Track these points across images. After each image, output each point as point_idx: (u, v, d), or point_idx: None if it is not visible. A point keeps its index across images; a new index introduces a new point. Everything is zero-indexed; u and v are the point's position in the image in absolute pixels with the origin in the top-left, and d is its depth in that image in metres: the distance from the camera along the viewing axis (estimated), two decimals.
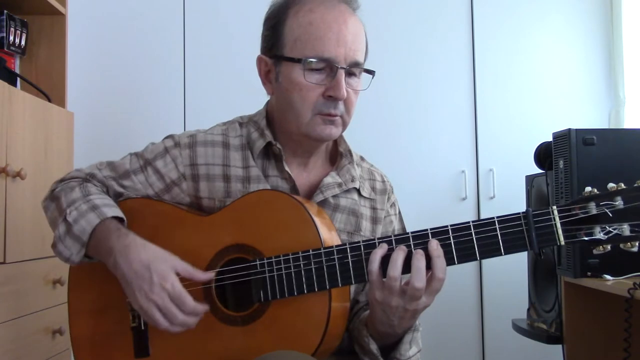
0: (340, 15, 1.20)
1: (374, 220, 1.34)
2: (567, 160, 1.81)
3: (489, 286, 2.63)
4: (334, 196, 1.28)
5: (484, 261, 2.62)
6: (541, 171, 2.07)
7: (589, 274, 1.77)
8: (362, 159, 1.40)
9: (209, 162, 1.26)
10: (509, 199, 2.54)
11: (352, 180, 1.31)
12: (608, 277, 1.75)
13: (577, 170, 1.78)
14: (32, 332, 1.90)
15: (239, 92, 2.60)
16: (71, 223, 1.20)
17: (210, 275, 1.15)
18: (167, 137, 1.32)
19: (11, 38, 2.19)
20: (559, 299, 1.98)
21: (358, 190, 1.32)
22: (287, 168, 1.25)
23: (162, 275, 1.11)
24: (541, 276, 2.16)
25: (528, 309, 2.25)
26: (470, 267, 2.63)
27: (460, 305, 2.63)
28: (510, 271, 2.51)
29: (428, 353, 2.60)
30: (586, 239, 1.01)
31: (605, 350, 1.88)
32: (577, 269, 1.79)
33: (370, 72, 1.25)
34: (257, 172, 1.26)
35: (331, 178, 1.29)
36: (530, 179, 2.24)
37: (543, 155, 2.03)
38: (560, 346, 1.96)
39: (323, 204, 1.27)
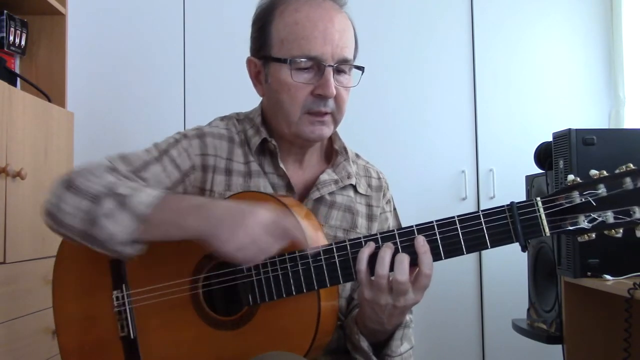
0: (325, 13, 1.20)
1: (370, 218, 1.34)
2: (567, 160, 1.81)
3: (489, 286, 2.63)
4: (330, 193, 1.28)
5: (484, 261, 2.62)
6: (541, 171, 2.07)
7: (589, 274, 1.77)
8: (357, 156, 1.40)
9: (217, 154, 1.26)
10: (509, 199, 2.50)
11: (349, 177, 1.31)
12: (608, 277, 1.75)
13: (577, 170, 1.78)
14: (32, 332, 1.90)
15: (239, 91, 2.59)
16: (127, 195, 1.08)
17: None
18: (172, 135, 1.31)
19: (11, 38, 2.19)
20: (559, 299, 1.98)
21: (354, 187, 1.33)
22: (281, 165, 1.25)
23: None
24: (541, 276, 2.15)
25: (528, 309, 2.25)
26: (470, 267, 2.63)
27: (460, 305, 2.63)
28: (510, 271, 2.51)
29: (428, 353, 2.62)
30: (571, 228, 1.01)
31: (605, 350, 1.88)
32: (577, 269, 1.79)
33: (360, 68, 1.25)
34: (257, 167, 1.26)
35: (327, 175, 1.29)
36: (530, 179, 2.24)
37: (543, 155, 2.03)
38: (560, 346, 1.96)
39: (319, 201, 1.27)
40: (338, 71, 1.21)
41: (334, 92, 1.19)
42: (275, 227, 1.05)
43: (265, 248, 1.05)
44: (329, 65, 1.18)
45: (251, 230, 1.03)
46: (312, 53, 1.18)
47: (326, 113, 1.21)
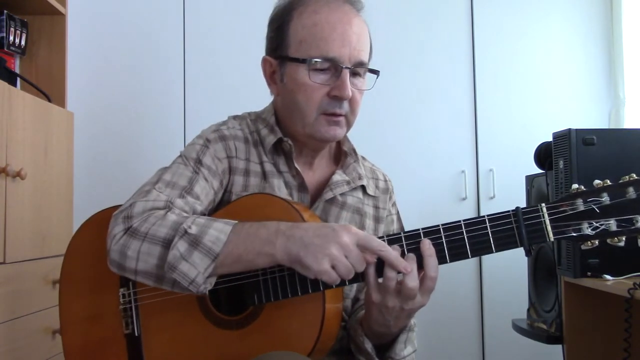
0: (344, 15, 1.22)
1: (377, 219, 1.36)
2: (567, 160, 1.81)
3: (489, 286, 2.63)
4: (342, 194, 1.30)
5: (484, 261, 2.62)
6: (541, 171, 2.07)
7: (589, 274, 1.77)
8: (363, 158, 1.41)
9: (237, 156, 1.26)
10: (509, 199, 2.54)
11: (359, 178, 1.33)
12: (608, 277, 1.75)
13: (577, 170, 1.78)
14: (32, 332, 1.90)
15: (239, 92, 2.60)
16: (197, 234, 1.06)
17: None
18: (193, 141, 1.29)
19: (11, 38, 2.19)
20: (559, 299, 1.98)
21: (364, 189, 1.34)
22: (296, 165, 1.26)
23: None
24: (541, 276, 2.15)
25: (528, 309, 2.25)
26: (470, 267, 2.63)
27: (460, 305, 2.63)
28: (510, 271, 2.51)
29: (428, 353, 2.61)
30: (574, 234, 1.02)
31: (605, 350, 1.88)
32: (577, 269, 1.79)
33: (375, 72, 1.26)
34: (271, 167, 1.27)
35: (339, 176, 1.31)
36: (530, 179, 2.24)
37: (543, 155, 2.03)
38: (560, 346, 1.96)
39: (331, 201, 1.28)
40: (354, 74, 1.22)
41: (350, 94, 1.20)
42: (361, 246, 1.05)
43: (350, 269, 1.04)
44: (346, 67, 1.19)
45: (336, 255, 1.03)
46: (330, 54, 1.19)
47: (341, 115, 1.22)
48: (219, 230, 1.06)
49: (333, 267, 1.03)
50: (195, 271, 1.05)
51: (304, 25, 1.21)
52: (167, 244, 1.07)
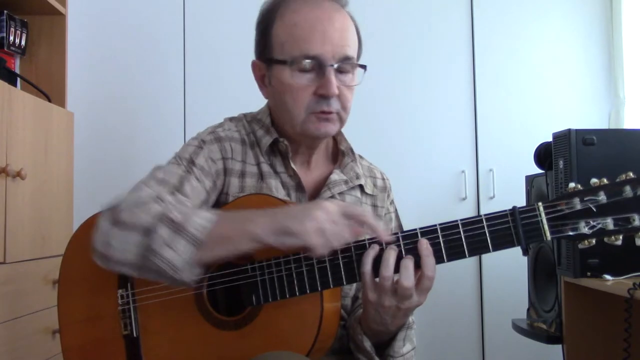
0: (323, 13, 1.21)
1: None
2: (567, 160, 1.81)
3: (489, 286, 2.64)
4: (340, 193, 1.30)
5: (484, 261, 2.62)
6: (541, 171, 2.07)
7: (589, 274, 1.77)
8: (360, 157, 1.41)
9: (234, 157, 1.27)
10: (509, 199, 2.52)
11: (357, 178, 1.33)
12: (608, 277, 1.75)
13: (577, 170, 1.78)
14: (32, 332, 1.90)
15: (239, 92, 2.60)
16: (180, 222, 1.04)
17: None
18: (188, 142, 1.29)
19: (11, 38, 2.19)
20: (559, 299, 1.98)
21: (362, 188, 1.34)
22: (293, 165, 1.26)
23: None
24: (541, 276, 2.16)
25: (528, 309, 2.25)
26: (470, 267, 2.63)
27: (460, 305, 2.63)
28: (510, 271, 2.51)
29: (428, 352, 2.61)
30: (571, 233, 1.02)
31: (605, 350, 1.88)
32: (577, 269, 1.79)
33: (362, 67, 1.25)
34: (268, 168, 1.27)
35: (337, 175, 1.31)
36: (530, 179, 2.24)
37: (543, 155, 2.03)
38: (560, 346, 1.97)
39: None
40: (340, 71, 1.22)
41: (336, 92, 1.19)
42: (345, 214, 1.05)
43: (338, 233, 1.04)
44: (330, 65, 1.19)
45: (321, 217, 1.03)
46: (312, 52, 1.19)
47: (330, 112, 1.22)
48: (202, 217, 1.06)
49: (321, 233, 1.03)
50: (177, 256, 1.04)
51: (285, 27, 1.22)
52: (149, 231, 1.05)
